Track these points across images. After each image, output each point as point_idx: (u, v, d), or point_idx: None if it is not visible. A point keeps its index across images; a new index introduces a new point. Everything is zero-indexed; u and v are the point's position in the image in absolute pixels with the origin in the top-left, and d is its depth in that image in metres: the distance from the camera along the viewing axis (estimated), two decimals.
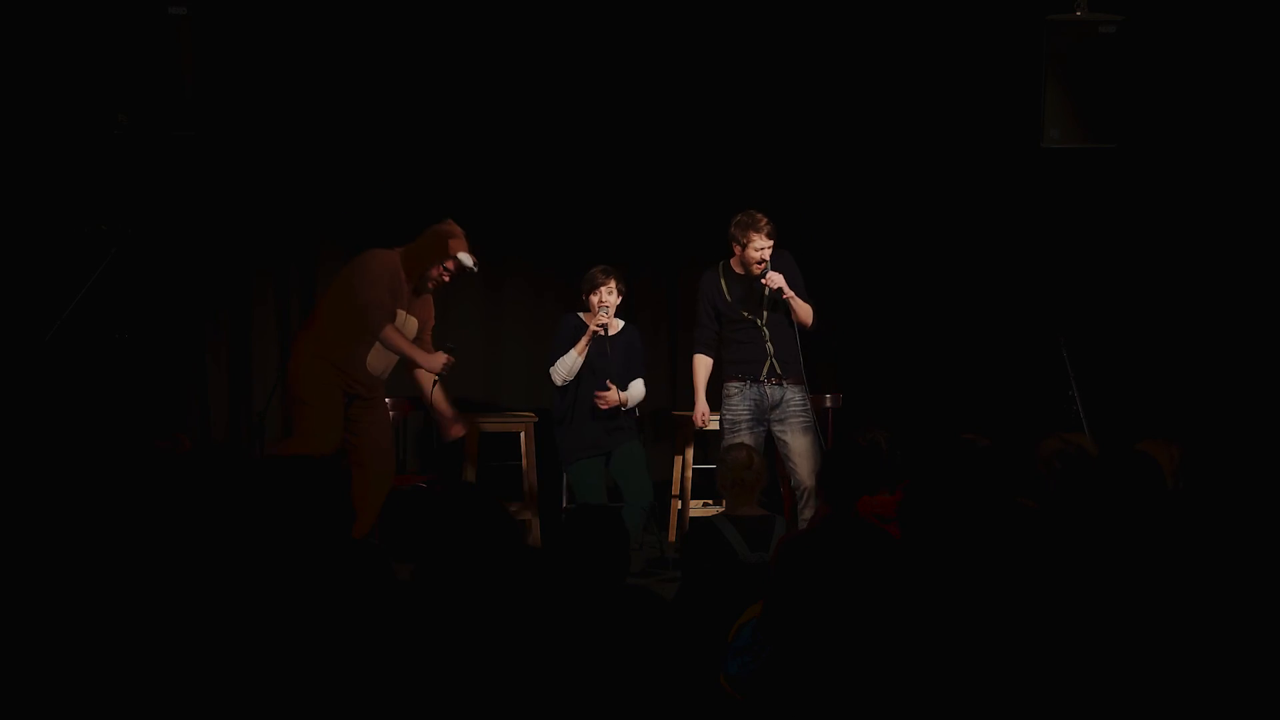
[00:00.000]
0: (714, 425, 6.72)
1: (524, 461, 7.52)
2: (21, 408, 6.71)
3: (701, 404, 6.66)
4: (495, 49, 7.99)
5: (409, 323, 6.27)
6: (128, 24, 6.72)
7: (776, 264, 6.44)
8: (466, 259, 6.20)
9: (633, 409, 6.93)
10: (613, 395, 6.74)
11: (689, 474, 7.66)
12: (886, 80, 8.19)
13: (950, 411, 7.99)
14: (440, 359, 6.21)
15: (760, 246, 6.38)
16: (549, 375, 6.83)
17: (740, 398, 6.46)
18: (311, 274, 7.99)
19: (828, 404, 7.66)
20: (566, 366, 6.76)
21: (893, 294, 8.32)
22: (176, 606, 3.12)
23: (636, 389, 6.89)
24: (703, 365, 6.64)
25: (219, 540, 3.43)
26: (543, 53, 8.03)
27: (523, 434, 7.53)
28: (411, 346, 6.18)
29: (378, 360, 6.19)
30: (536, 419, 7.56)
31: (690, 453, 7.69)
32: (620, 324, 6.94)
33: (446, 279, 6.27)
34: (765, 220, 6.40)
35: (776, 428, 6.45)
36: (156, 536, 3.50)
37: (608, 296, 6.78)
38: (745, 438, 6.37)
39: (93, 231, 6.95)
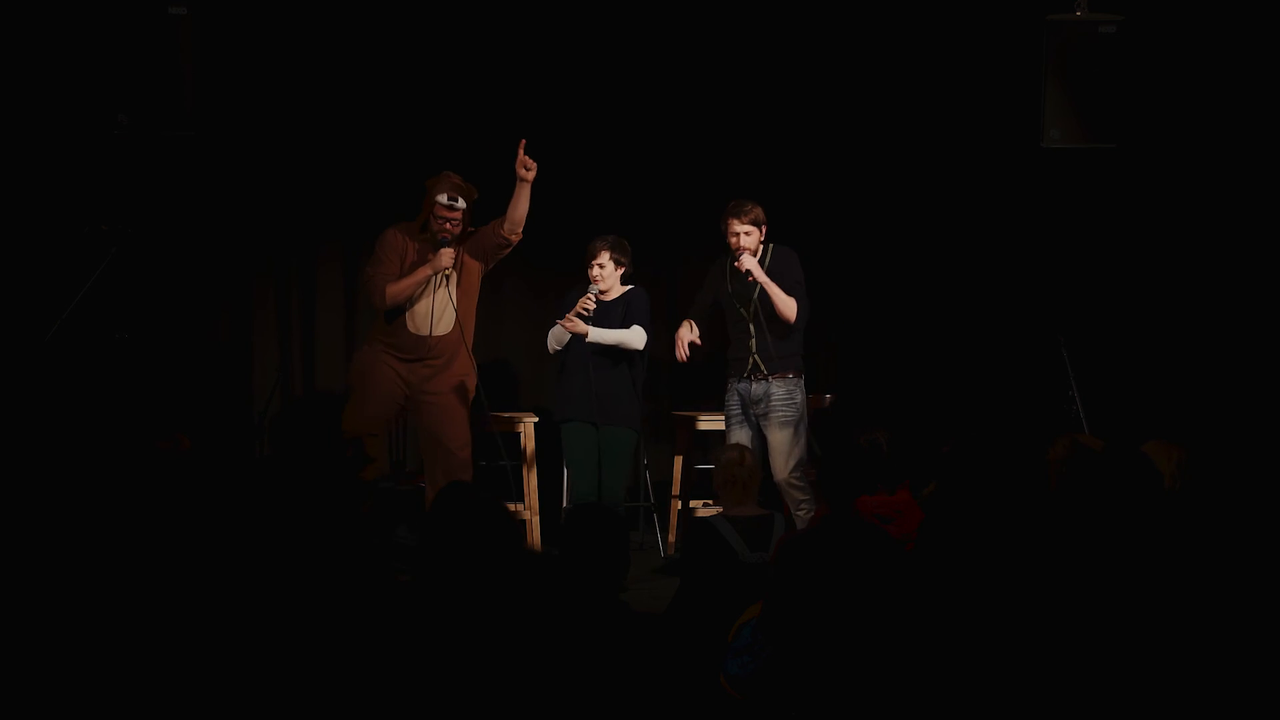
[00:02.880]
0: (688, 343, 6.69)
1: (524, 461, 7.51)
2: (22, 408, 6.71)
3: (681, 332, 6.70)
4: (495, 48, 7.99)
5: (444, 314, 6.66)
6: (128, 24, 6.71)
7: (777, 260, 6.60)
8: (442, 197, 6.50)
9: (634, 353, 6.76)
10: (572, 323, 6.63)
11: (689, 474, 7.66)
12: (887, 79, 8.19)
13: (950, 411, 7.99)
14: (444, 255, 6.51)
15: (735, 231, 6.54)
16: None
17: (732, 393, 6.66)
18: (312, 274, 8.00)
19: (826, 403, 7.66)
20: (555, 338, 6.79)
21: (893, 293, 8.32)
22: (176, 606, 3.12)
23: (634, 334, 6.73)
24: (685, 324, 6.75)
25: (219, 540, 3.43)
26: (543, 52, 8.03)
27: (523, 434, 7.53)
28: (415, 274, 6.54)
29: (414, 319, 6.60)
30: (537, 419, 7.56)
31: (690, 453, 7.69)
32: (626, 288, 6.81)
33: (449, 225, 6.54)
34: (742, 205, 6.56)
35: (761, 422, 6.53)
36: (157, 536, 3.50)
37: (599, 270, 6.71)
38: (738, 433, 6.58)
39: (93, 231, 6.95)
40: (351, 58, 7.84)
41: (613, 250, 6.74)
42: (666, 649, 3.25)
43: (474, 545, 3.23)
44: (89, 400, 7.05)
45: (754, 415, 6.57)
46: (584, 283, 6.91)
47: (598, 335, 6.66)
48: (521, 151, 6.53)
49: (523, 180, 6.55)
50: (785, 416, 6.49)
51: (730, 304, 6.63)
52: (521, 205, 6.60)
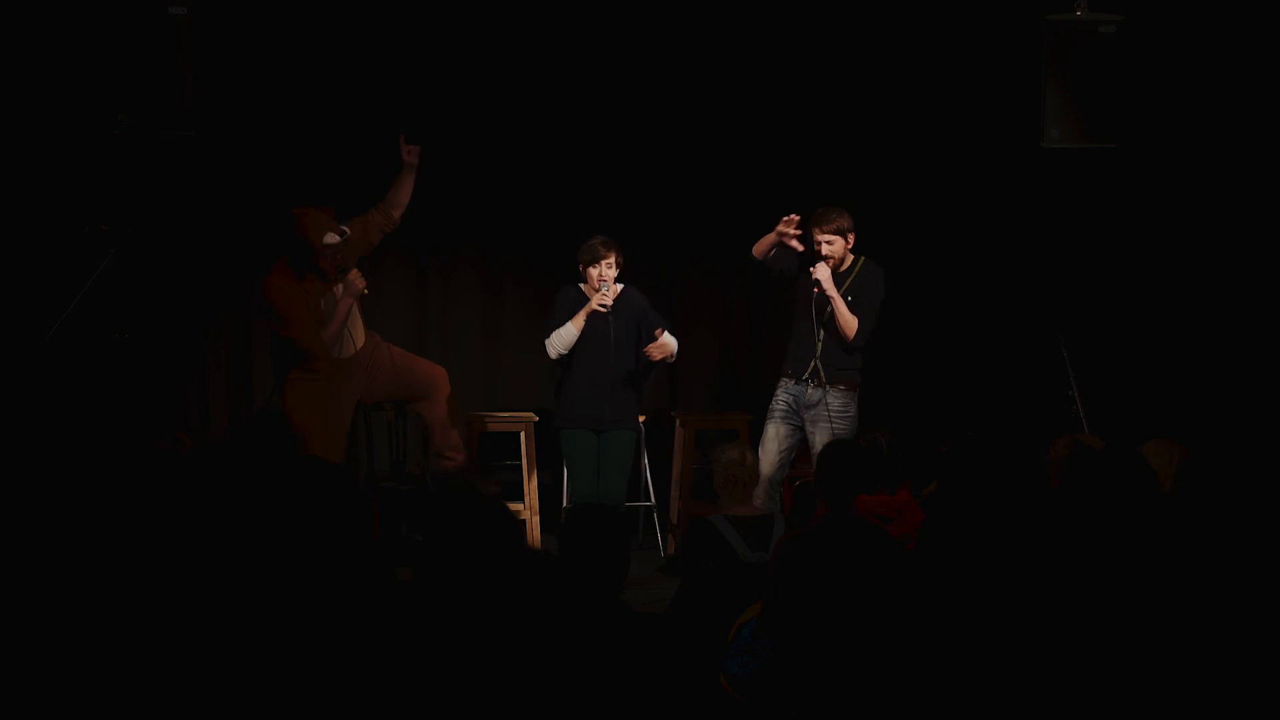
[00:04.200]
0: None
1: (524, 461, 7.51)
2: (22, 408, 6.71)
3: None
4: (496, 50, 7.99)
5: (357, 326, 6.56)
6: (128, 24, 6.71)
7: (862, 277, 6.58)
8: (331, 238, 6.33)
9: (656, 365, 6.75)
10: (655, 348, 6.58)
11: (689, 474, 7.65)
12: (887, 80, 8.19)
13: (950, 411, 7.99)
14: (354, 281, 6.40)
15: (817, 240, 6.48)
16: (544, 347, 6.68)
17: (783, 391, 6.60)
18: None
19: None
20: (563, 340, 6.60)
21: (893, 293, 8.30)
22: (176, 607, 3.12)
23: (669, 340, 6.68)
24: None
25: (220, 540, 3.43)
26: (544, 54, 8.03)
27: (523, 434, 7.53)
28: (340, 312, 6.41)
29: (341, 346, 6.51)
30: (536, 419, 7.56)
31: (691, 453, 7.69)
32: (618, 287, 6.68)
33: (339, 258, 6.39)
34: (826, 214, 6.50)
35: (808, 426, 6.52)
36: (157, 537, 3.50)
37: (607, 271, 6.58)
38: (775, 427, 6.56)
39: (93, 231, 6.95)
40: (352, 56, 7.83)
41: (618, 254, 6.66)
42: (666, 649, 3.25)
43: (474, 545, 3.23)
44: (89, 400, 7.05)
45: (801, 417, 6.54)
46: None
47: (670, 348, 6.65)
48: (403, 142, 6.61)
49: (410, 167, 6.62)
50: (837, 428, 6.44)
51: (804, 301, 6.54)
52: (408, 189, 6.65)
